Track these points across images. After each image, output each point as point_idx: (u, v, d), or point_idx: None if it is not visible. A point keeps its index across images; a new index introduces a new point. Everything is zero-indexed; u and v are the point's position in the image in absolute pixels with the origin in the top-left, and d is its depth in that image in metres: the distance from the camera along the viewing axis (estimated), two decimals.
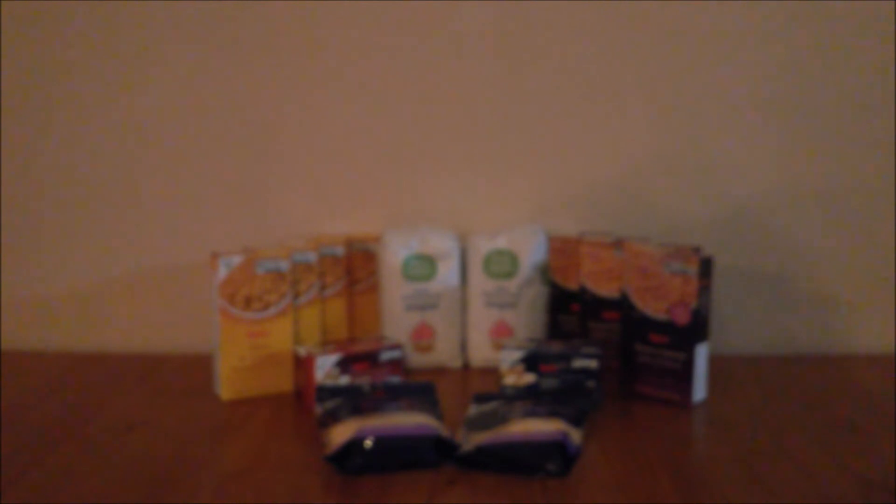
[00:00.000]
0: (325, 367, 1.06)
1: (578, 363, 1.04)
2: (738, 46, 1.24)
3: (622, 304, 1.11)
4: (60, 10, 1.26)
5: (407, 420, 0.91)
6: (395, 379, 1.11)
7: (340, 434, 0.89)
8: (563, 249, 1.23)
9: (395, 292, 1.19)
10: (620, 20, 1.24)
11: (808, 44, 1.23)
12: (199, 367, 1.20)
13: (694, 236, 1.27)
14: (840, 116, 1.25)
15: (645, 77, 1.25)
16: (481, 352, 1.22)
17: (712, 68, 1.24)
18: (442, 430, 0.91)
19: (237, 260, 1.08)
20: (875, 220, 1.27)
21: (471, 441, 0.90)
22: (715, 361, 1.18)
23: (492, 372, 1.16)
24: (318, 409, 0.98)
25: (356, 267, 1.24)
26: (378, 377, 1.10)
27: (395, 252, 1.18)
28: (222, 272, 1.07)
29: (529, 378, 1.06)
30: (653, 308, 1.07)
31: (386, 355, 1.11)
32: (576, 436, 0.90)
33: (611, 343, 1.15)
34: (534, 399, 1.00)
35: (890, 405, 1.05)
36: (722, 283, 1.25)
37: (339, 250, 1.21)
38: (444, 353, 1.21)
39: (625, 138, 1.27)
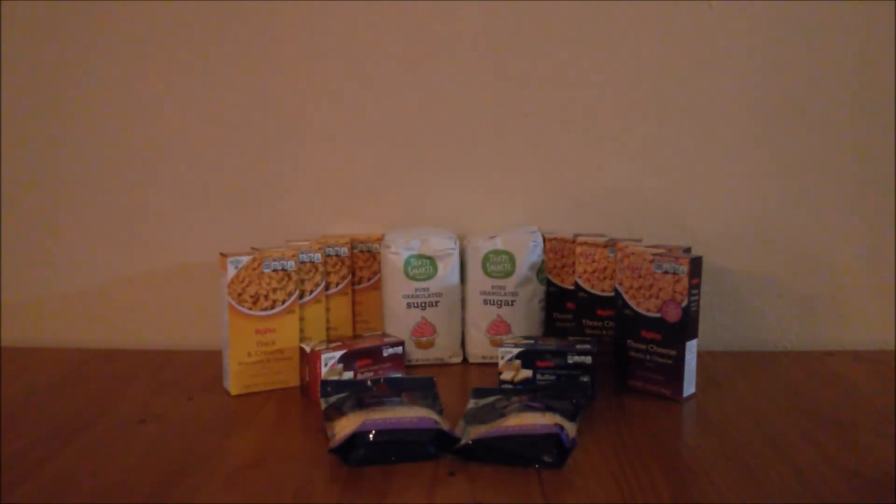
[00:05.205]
0: (329, 363, 1.07)
1: (573, 359, 1.06)
2: (734, 49, 1.24)
3: (615, 303, 1.13)
4: (73, 12, 1.26)
5: (408, 413, 0.92)
6: (397, 374, 1.12)
7: (344, 427, 0.90)
8: (558, 250, 1.24)
9: (396, 291, 1.20)
10: (617, 25, 1.24)
11: (806, 47, 1.23)
12: (208, 362, 1.21)
13: (685, 236, 1.28)
14: (836, 116, 1.25)
15: (641, 81, 1.25)
16: (480, 348, 1.23)
17: (708, 71, 1.25)
18: (442, 423, 0.91)
19: (245, 260, 1.09)
20: (860, 217, 1.27)
21: (469, 434, 0.91)
22: (703, 357, 1.20)
23: (490, 367, 1.19)
24: (323, 403, 0.99)
25: (359, 266, 1.25)
26: (380, 372, 1.11)
27: (397, 252, 1.20)
28: (231, 271, 1.09)
29: (526, 373, 1.07)
30: (645, 306, 1.09)
31: (388, 351, 1.12)
32: (570, 429, 0.91)
33: (604, 339, 1.17)
34: (530, 394, 1.00)
35: (874, 400, 1.06)
36: (711, 281, 1.27)
37: (343, 250, 1.22)
38: (444, 349, 1.22)
39: (619, 142, 1.27)
